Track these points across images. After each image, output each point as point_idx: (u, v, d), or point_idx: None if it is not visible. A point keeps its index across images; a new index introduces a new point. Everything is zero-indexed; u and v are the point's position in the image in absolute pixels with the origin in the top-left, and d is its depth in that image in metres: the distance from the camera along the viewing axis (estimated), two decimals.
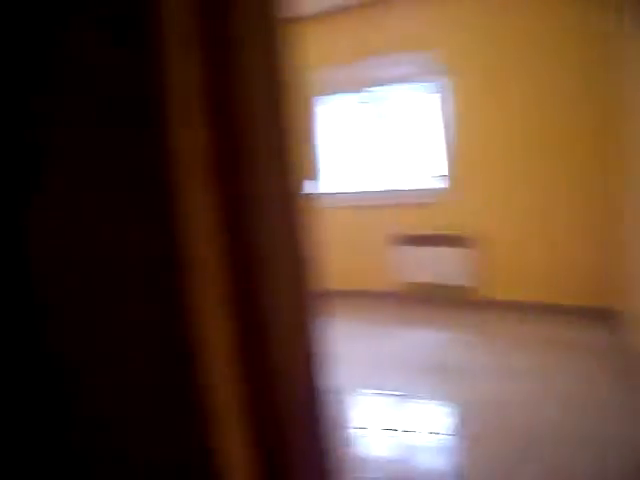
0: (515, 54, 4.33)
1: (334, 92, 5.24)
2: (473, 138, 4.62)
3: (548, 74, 4.22)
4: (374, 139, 5.19)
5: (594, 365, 3.42)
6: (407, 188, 5.04)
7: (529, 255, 4.49)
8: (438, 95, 4.73)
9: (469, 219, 4.72)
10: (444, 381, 3.44)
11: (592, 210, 4.18)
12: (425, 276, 4.89)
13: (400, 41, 4.78)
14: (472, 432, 2.82)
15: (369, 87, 5.08)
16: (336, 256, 5.26)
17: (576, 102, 4.14)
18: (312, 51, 5.08)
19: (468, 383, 3.37)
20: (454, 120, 4.67)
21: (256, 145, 1.06)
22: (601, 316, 4.11)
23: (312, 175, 5.30)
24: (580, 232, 4.26)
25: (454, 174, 4.76)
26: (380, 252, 5.16)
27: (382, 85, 5.03)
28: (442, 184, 4.84)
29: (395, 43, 4.81)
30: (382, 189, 5.17)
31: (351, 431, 2.95)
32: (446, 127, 4.73)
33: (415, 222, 4.96)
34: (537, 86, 4.27)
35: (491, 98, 4.49)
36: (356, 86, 5.13)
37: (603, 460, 2.44)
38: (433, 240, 4.81)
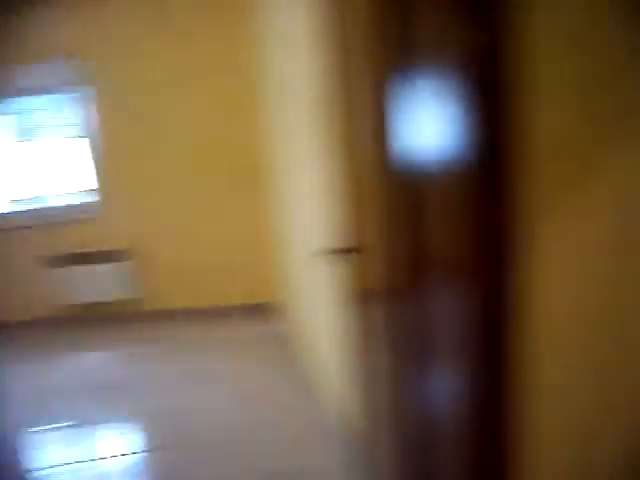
0: (162, 63, 4.51)
1: None
2: (121, 149, 4.64)
3: (197, 83, 4.53)
4: (18, 154, 4.70)
5: (259, 358, 3.84)
6: (57, 205, 4.76)
7: (191, 261, 4.78)
8: (82, 106, 4.57)
9: (124, 231, 4.76)
10: (121, 400, 3.44)
11: (247, 214, 4.69)
12: (85, 296, 4.73)
13: (43, 49, 4.43)
14: (160, 445, 2.89)
15: (9, 98, 4.57)
16: None
17: (226, 108, 4.55)
18: None
19: (146, 397, 3.44)
20: (100, 131, 4.59)
21: None
22: (263, 311, 4.68)
23: None
24: (238, 236, 4.71)
25: (105, 187, 4.71)
26: (32, 276, 4.73)
27: (24, 96, 4.59)
28: (93, 198, 4.71)
29: (38, 51, 4.43)
30: (29, 208, 4.74)
31: (33, 474, 2.69)
32: (91, 139, 4.62)
33: (69, 240, 4.73)
34: (185, 95, 4.55)
35: (136, 108, 4.57)
36: None
37: (288, 445, 2.76)
38: (89, 257, 4.69)
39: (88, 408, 3.37)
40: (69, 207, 4.75)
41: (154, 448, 2.85)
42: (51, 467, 2.77)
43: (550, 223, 0.98)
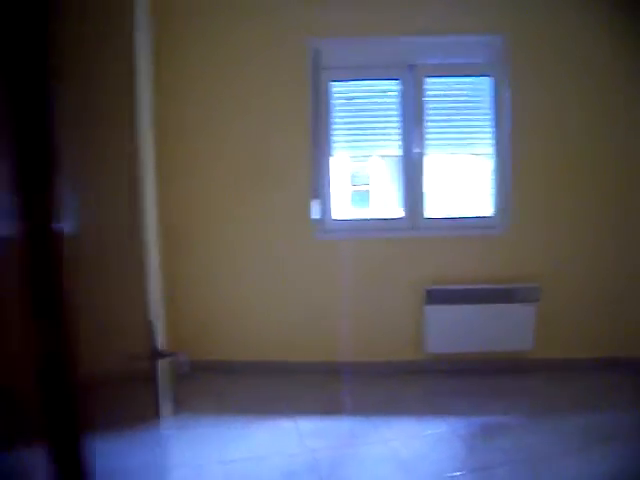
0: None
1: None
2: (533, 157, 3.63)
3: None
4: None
5: None
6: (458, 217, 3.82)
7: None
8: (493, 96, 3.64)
9: (529, 263, 3.69)
10: None
11: None
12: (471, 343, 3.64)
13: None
14: None
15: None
16: None
17: None
18: None
19: None
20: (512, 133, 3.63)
21: None
22: None
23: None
24: None
25: (508, 206, 3.69)
26: (407, 313, 3.82)
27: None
28: (491, 215, 3.75)
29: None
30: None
31: None
32: (499, 144, 3.67)
33: (454, 267, 3.72)
34: None
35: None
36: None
37: None
38: (483, 294, 3.60)
39: None
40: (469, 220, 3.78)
41: None
42: None
43: None
